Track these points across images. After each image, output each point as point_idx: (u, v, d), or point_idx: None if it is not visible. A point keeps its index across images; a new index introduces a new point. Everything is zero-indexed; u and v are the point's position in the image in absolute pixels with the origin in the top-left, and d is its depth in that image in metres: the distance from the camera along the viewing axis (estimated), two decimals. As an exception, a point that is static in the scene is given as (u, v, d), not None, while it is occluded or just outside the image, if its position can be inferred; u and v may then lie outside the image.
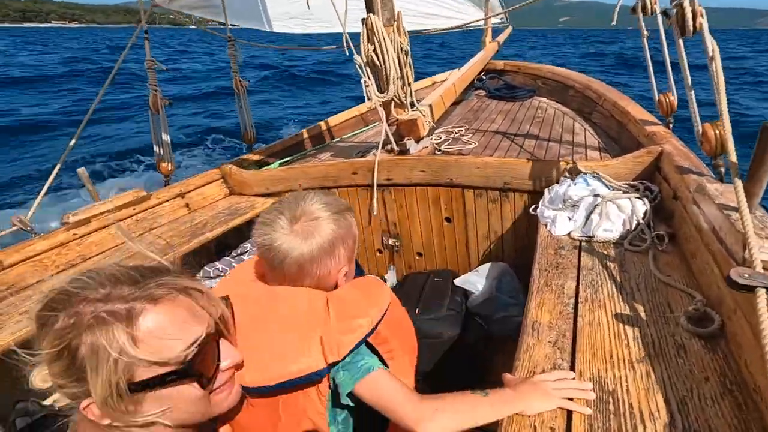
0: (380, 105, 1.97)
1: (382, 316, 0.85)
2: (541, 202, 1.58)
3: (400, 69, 1.97)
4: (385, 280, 2.21)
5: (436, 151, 2.16)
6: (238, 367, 0.72)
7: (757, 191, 0.91)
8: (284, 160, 2.51)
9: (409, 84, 2.04)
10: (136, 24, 2.46)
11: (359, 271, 1.03)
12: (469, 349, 1.75)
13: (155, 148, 2.50)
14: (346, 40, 1.92)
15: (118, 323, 0.56)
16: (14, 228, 1.64)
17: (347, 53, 1.95)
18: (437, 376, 1.60)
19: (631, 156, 1.60)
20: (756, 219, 0.89)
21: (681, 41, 1.32)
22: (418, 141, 2.14)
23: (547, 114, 2.81)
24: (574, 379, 0.83)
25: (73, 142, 2.17)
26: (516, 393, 0.81)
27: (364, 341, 0.81)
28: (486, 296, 1.82)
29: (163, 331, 0.58)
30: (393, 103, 2.07)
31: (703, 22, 1.20)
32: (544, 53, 29.34)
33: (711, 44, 1.13)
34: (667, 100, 1.74)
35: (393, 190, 2.07)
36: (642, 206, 1.36)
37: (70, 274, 0.60)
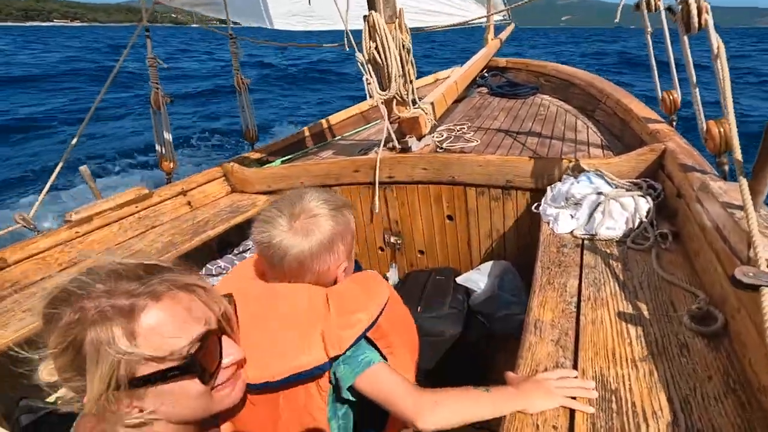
0: (382, 102, 1.96)
1: (382, 310, 0.86)
2: (543, 200, 1.57)
3: (402, 66, 1.96)
4: (386, 278, 2.21)
5: (438, 149, 2.15)
6: (240, 364, 0.72)
7: (762, 189, 0.90)
8: (286, 157, 2.51)
9: (411, 81, 2.03)
10: (138, 23, 2.46)
11: (357, 268, 1.04)
12: (471, 348, 1.75)
13: (157, 146, 2.50)
14: (348, 38, 1.92)
15: (121, 318, 0.56)
16: (17, 226, 1.64)
17: (348, 50, 1.94)
18: (439, 375, 1.60)
19: (634, 154, 1.60)
20: (761, 217, 0.88)
21: (686, 38, 1.32)
22: (420, 139, 2.13)
23: (550, 111, 2.79)
24: (576, 377, 0.83)
25: (75, 140, 2.17)
26: (518, 391, 0.81)
27: (365, 335, 0.82)
28: (488, 294, 1.82)
29: (165, 326, 0.59)
30: (395, 101, 2.06)
31: (709, 18, 1.19)
32: (546, 52, 29.21)
33: (716, 41, 1.12)
34: (671, 97, 1.73)
35: (395, 187, 2.06)
36: (645, 204, 1.35)
37: (74, 271, 0.61)
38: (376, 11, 1.86)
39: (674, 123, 1.77)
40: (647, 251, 1.23)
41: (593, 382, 0.81)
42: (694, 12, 1.21)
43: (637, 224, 1.32)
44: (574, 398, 0.78)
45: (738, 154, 0.99)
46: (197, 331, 0.62)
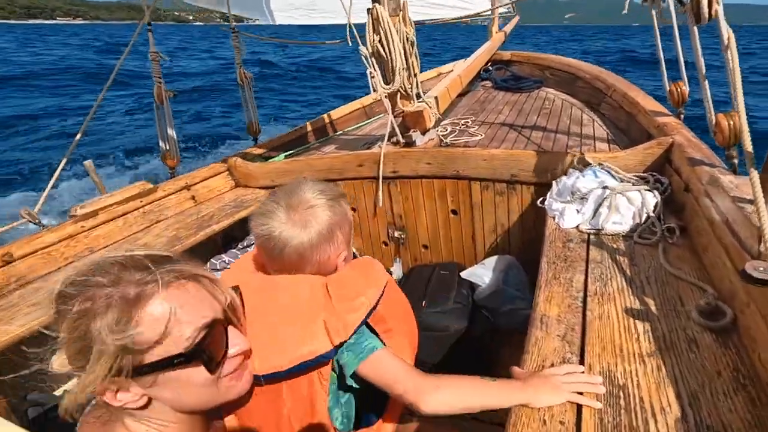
0: (386, 96, 1.95)
1: (382, 293, 0.87)
2: (548, 194, 1.56)
3: (406, 60, 1.94)
4: (390, 273, 2.21)
5: (442, 143, 2.14)
6: (247, 354, 0.73)
7: (774, 183, 0.89)
8: (289, 152, 2.50)
9: (415, 75, 2.01)
10: (140, 21, 2.45)
11: (354, 257, 1.04)
12: (475, 342, 1.74)
13: (160, 141, 2.49)
14: (351, 31, 1.90)
15: (127, 306, 0.57)
16: (22, 221, 1.65)
17: (351, 44, 1.93)
18: (444, 369, 1.59)
19: (641, 147, 1.58)
20: None
21: (695, 29, 1.29)
22: (424, 133, 2.12)
23: (555, 105, 2.77)
24: (583, 372, 0.82)
25: (78, 136, 2.17)
26: (525, 384, 0.80)
27: (367, 320, 0.83)
28: (492, 289, 1.81)
29: (172, 314, 0.59)
30: (399, 95, 2.05)
31: (719, 9, 1.17)
32: (549, 50, 28.92)
33: (727, 32, 1.10)
34: (679, 89, 1.70)
35: (399, 182, 2.05)
36: (652, 198, 1.34)
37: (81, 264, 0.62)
38: (379, 4, 1.84)
39: (682, 116, 1.75)
40: (654, 246, 1.22)
41: (600, 377, 0.81)
42: (705, 2, 1.19)
43: (644, 219, 1.31)
44: (581, 394, 0.78)
45: (749, 146, 0.98)
46: (204, 319, 0.63)
